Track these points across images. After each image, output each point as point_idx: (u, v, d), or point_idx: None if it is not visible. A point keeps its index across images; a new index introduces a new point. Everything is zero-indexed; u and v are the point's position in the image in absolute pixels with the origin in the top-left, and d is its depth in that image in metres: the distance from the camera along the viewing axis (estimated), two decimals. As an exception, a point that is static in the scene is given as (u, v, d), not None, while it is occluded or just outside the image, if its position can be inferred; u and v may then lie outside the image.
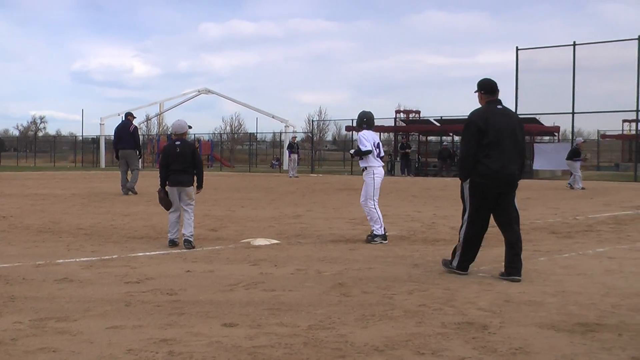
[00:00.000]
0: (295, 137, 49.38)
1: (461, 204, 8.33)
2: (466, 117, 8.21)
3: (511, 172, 8.03)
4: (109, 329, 5.43)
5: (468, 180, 8.09)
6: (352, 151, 11.57)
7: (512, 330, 5.43)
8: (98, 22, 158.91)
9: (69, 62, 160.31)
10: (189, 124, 10.72)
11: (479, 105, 8.20)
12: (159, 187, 10.44)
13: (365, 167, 11.00)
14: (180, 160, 10.20)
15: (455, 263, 8.11)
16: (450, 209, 16.77)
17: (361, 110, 11.30)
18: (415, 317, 5.86)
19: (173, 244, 10.18)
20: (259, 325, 5.58)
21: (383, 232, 10.72)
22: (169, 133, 73.41)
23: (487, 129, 7.83)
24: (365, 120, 11.19)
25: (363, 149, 10.87)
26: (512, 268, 7.79)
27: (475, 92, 8.33)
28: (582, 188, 26.21)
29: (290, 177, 36.70)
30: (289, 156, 40.62)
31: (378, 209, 10.86)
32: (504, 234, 8.13)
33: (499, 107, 8.11)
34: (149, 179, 32.20)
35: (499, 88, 8.24)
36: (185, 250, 9.76)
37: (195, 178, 10.43)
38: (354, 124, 10.84)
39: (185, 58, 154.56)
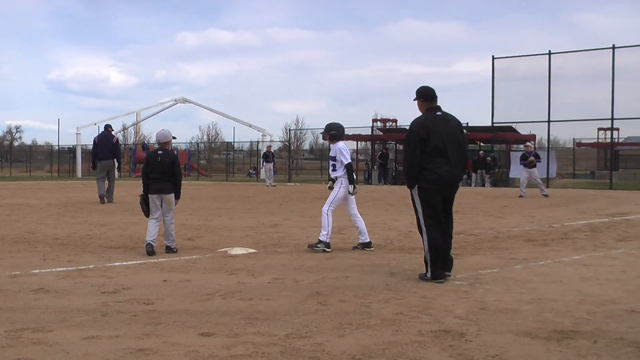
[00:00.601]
0: (271, 146, 49.39)
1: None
2: None
3: (456, 175, 8.32)
4: (85, 339, 5.40)
5: (416, 188, 8.27)
6: (350, 184, 11.26)
7: (489, 338, 5.46)
8: (74, 31, 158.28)
9: (45, 72, 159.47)
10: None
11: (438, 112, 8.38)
12: (141, 193, 10.64)
13: (337, 178, 10.98)
14: (160, 170, 10.43)
15: (429, 274, 8.13)
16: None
17: (331, 122, 11.29)
18: (392, 326, 5.87)
19: (150, 247, 10.22)
20: (236, 334, 5.58)
21: (327, 240, 10.70)
22: (145, 142, 73.39)
23: (428, 137, 8.09)
24: (338, 133, 11.20)
25: (348, 161, 10.88)
26: (447, 263, 8.15)
27: (414, 100, 8.55)
28: (521, 195, 26.31)
29: (268, 186, 36.65)
30: (263, 165, 40.72)
31: (330, 217, 10.84)
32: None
33: (439, 113, 8.38)
34: (126, 188, 32.09)
35: (437, 95, 8.49)
36: (162, 260, 9.73)
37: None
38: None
39: (162, 67, 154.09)
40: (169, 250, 10.42)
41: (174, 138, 11.15)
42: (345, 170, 10.82)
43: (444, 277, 8.06)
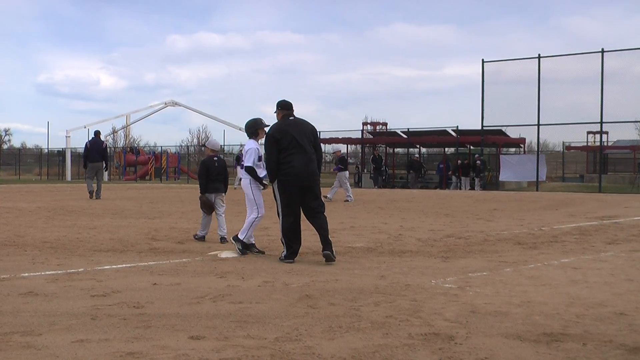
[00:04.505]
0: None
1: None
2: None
3: (310, 169, 9.99)
4: (75, 342, 5.39)
5: (277, 182, 10.01)
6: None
7: (478, 341, 5.47)
8: (64, 34, 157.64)
9: (34, 74, 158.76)
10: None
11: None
12: (200, 194, 12.75)
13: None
14: (217, 172, 12.72)
15: (284, 255, 9.97)
16: (417, 221, 16.86)
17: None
18: (382, 329, 5.87)
19: (203, 238, 12.57)
20: (226, 337, 5.57)
21: (246, 242, 10.69)
22: (134, 146, 73.26)
23: (281, 138, 9.90)
24: (248, 131, 11.01)
25: (247, 165, 10.79)
26: (326, 244, 9.76)
27: (274, 112, 10.38)
28: (326, 196, 25.65)
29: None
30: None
31: (258, 219, 10.78)
32: (313, 223, 10.08)
33: (291, 118, 10.20)
34: (116, 191, 32.05)
35: (293, 106, 10.37)
36: (152, 263, 9.72)
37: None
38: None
39: (152, 70, 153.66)
40: (223, 240, 12.23)
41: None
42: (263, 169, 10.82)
43: (293, 259, 9.95)
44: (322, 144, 50.49)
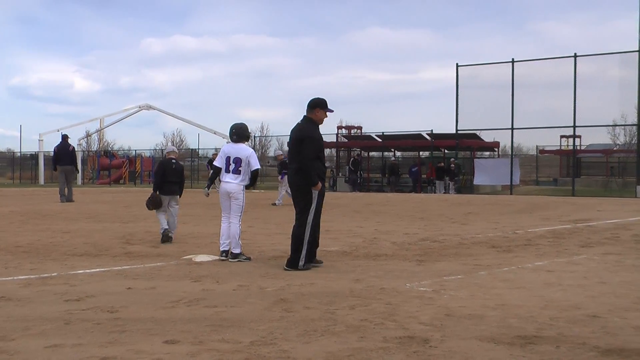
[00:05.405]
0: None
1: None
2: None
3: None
4: (48, 348, 5.35)
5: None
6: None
7: (453, 344, 5.49)
8: (38, 37, 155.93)
9: (7, 78, 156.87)
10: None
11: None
12: (153, 191, 13.10)
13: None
14: (174, 174, 13.26)
15: (303, 263, 9.57)
16: (392, 224, 16.89)
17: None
18: (357, 332, 5.88)
19: (166, 234, 12.86)
20: (201, 341, 5.55)
21: (220, 249, 10.71)
22: (109, 149, 72.85)
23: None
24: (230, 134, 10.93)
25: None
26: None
27: (310, 111, 9.89)
28: (274, 204, 25.63)
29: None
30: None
31: (222, 224, 10.82)
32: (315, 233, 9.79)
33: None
34: (90, 195, 31.87)
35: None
36: (126, 267, 9.68)
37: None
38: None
39: (127, 74, 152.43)
40: (170, 239, 12.89)
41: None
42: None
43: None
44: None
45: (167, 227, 12.95)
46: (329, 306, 7.00)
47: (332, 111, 10.03)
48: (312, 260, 9.69)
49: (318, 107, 9.86)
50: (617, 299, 7.43)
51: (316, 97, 9.98)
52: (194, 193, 28.00)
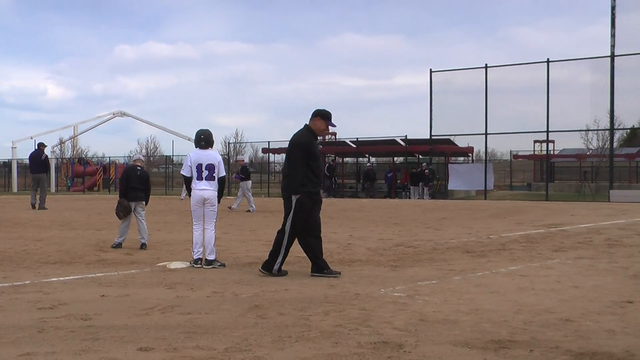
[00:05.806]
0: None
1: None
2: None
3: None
4: (21, 356, 5.31)
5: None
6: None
7: (427, 349, 5.50)
8: (9, 44, 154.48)
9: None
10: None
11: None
12: (119, 197, 13.35)
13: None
14: (138, 181, 13.39)
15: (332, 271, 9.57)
16: (367, 230, 16.92)
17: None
18: (331, 338, 5.88)
19: (119, 246, 13.08)
20: (175, 349, 5.54)
21: (194, 257, 10.66)
22: (82, 157, 72.37)
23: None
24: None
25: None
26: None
27: (312, 120, 9.84)
28: (248, 210, 25.46)
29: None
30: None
31: (194, 232, 10.83)
32: (314, 241, 9.67)
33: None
34: (64, 203, 31.65)
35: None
36: (100, 275, 9.62)
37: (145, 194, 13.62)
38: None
39: (100, 80, 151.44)
40: (144, 246, 13.15)
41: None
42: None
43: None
44: (271, 154, 50.57)
45: (122, 240, 13.26)
46: (303, 312, 7.00)
47: (334, 125, 10.01)
48: (325, 268, 9.59)
49: (319, 116, 9.80)
50: (589, 303, 7.49)
51: (322, 108, 9.94)
52: (168, 200, 27.98)
